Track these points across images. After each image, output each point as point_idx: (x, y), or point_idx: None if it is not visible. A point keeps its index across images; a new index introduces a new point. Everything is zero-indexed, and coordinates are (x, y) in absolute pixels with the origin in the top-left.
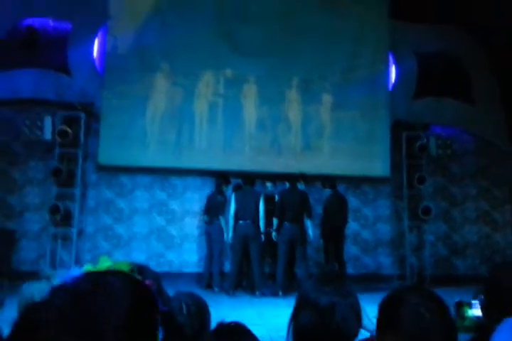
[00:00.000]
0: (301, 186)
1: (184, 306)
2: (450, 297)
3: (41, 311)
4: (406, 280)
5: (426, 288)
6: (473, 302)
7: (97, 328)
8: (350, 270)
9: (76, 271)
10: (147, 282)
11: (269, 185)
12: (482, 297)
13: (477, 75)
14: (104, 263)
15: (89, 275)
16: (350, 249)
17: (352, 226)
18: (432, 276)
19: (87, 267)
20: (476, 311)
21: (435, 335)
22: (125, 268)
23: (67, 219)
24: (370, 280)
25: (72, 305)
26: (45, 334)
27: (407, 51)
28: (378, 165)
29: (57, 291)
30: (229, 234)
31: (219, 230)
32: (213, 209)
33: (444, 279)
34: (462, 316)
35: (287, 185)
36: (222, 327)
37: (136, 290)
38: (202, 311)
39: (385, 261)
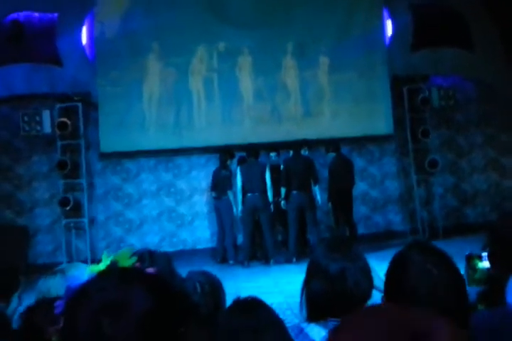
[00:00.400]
0: (305, 152)
1: (198, 285)
2: (463, 248)
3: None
4: (418, 234)
5: (428, 244)
6: (482, 254)
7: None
8: (361, 230)
9: (81, 276)
10: (151, 270)
11: (272, 154)
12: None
13: (474, 20)
14: (106, 261)
15: (111, 283)
16: (360, 209)
17: (360, 187)
18: (443, 228)
19: (92, 268)
20: (486, 263)
21: (444, 290)
22: (126, 261)
23: (77, 209)
24: (383, 238)
25: (97, 317)
26: None
27: (402, 3)
28: (381, 123)
29: (80, 298)
30: (238, 208)
31: (228, 205)
32: (220, 184)
33: (456, 230)
34: (473, 268)
35: (291, 152)
36: (239, 302)
37: (159, 300)
38: (216, 290)
39: (395, 218)
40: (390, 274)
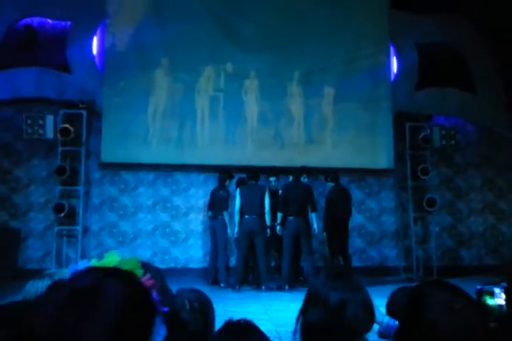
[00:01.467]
0: (304, 179)
1: (187, 302)
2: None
3: (39, 304)
4: (412, 272)
5: (445, 281)
6: (495, 290)
7: (87, 326)
8: (355, 263)
9: (83, 265)
10: (148, 279)
11: (272, 179)
12: (505, 285)
13: (478, 65)
14: (112, 259)
15: (88, 273)
16: (356, 242)
17: (357, 219)
18: (438, 268)
19: (94, 262)
20: (498, 300)
21: (466, 327)
22: (132, 266)
23: (71, 217)
24: (376, 273)
25: (67, 302)
26: (41, 327)
27: (408, 42)
28: (382, 157)
29: (56, 286)
30: (234, 229)
31: (223, 225)
32: (217, 204)
33: (451, 270)
34: (483, 305)
35: (290, 178)
36: (231, 324)
37: (131, 292)
38: (205, 307)
39: (390, 253)
40: (407, 310)
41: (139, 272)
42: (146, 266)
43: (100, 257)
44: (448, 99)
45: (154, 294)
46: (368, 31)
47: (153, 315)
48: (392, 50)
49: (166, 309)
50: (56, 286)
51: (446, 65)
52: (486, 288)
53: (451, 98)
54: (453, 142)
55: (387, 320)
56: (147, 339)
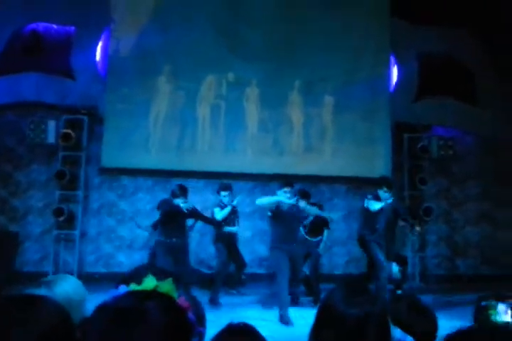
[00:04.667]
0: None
1: None
2: (459, 298)
3: (86, 326)
4: (409, 280)
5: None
6: (499, 306)
7: None
8: (352, 269)
9: (123, 289)
10: (183, 300)
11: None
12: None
13: (479, 75)
14: (149, 284)
15: (130, 296)
16: (353, 250)
17: (354, 228)
18: (434, 276)
19: (133, 286)
20: (505, 316)
21: None
22: (167, 289)
23: (70, 221)
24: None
25: (113, 322)
26: None
27: (409, 52)
28: (379, 167)
29: (101, 310)
30: None
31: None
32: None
33: (447, 279)
34: (487, 320)
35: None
36: (232, 327)
37: (172, 316)
38: (200, 314)
39: None
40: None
41: (175, 294)
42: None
43: (97, 262)
44: (447, 109)
45: (190, 315)
46: (368, 41)
47: (190, 335)
48: (392, 59)
49: (203, 329)
50: (101, 310)
51: (447, 75)
52: (490, 303)
53: (450, 109)
54: (451, 152)
55: (399, 335)
56: None
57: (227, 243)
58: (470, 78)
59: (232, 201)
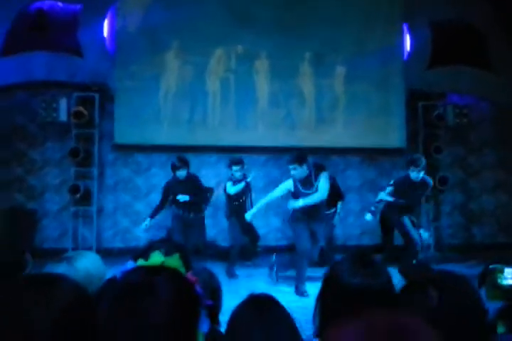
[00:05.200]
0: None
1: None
2: (470, 266)
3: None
4: (423, 250)
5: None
6: (506, 269)
7: (141, 324)
8: (366, 241)
9: (130, 265)
10: (191, 275)
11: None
12: None
13: (494, 41)
14: (157, 259)
15: (138, 271)
16: (367, 221)
17: (369, 199)
18: (449, 245)
19: (140, 262)
20: (510, 280)
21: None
22: (175, 264)
23: (86, 197)
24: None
25: (121, 298)
26: (98, 323)
27: (421, 20)
28: (394, 137)
29: (108, 285)
30: None
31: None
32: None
33: (462, 248)
34: (494, 283)
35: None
36: (253, 298)
37: (180, 289)
38: (214, 286)
39: None
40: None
41: (182, 269)
42: (169, 248)
43: (115, 237)
44: (462, 76)
45: (198, 288)
46: (380, 10)
47: (199, 307)
48: (405, 27)
49: (209, 302)
50: (110, 283)
51: (462, 43)
52: (497, 267)
53: (464, 75)
54: (466, 121)
55: None
56: (195, 330)
57: (240, 217)
58: (483, 44)
59: (246, 177)
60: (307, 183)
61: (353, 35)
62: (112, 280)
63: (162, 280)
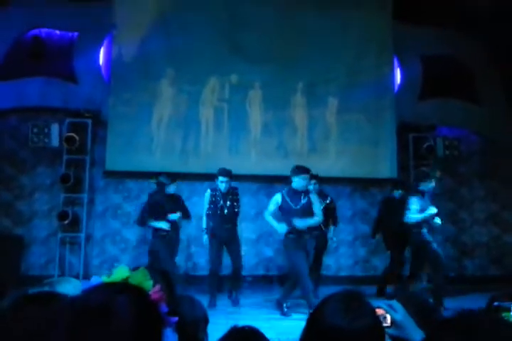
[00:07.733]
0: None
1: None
2: (465, 299)
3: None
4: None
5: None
6: None
7: None
8: (358, 272)
9: (95, 281)
10: (157, 291)
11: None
12: None
13: (482, 77)
14: (121, 274)
15: (98, 291)
16: (359, 251)
17: (361, 229)
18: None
19: (104, 278)
20: None
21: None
22: (141, 279)
23: (75, 224)
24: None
25: (79, 322)
26: None
27: (412, 54)
28: (385, 167)
29: (68, 308)
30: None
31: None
32: None
33: (454, 280)
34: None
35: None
36: (236, 330)
37: (140, 309)
38: (198, 315)
39: None
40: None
41: (149, 284)
42: (153, 274)
43: (103, 265)
44: (451, 110)
45: (163, 306)
46: (371, 42)
47: (161, 328)
48: (395, 61)
49: (175, 319)
50: (67, 307)
51: (450, 76)
52: (503, 305)
53: (454, 109)
54: (456, 152)
55: None
56: None
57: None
58: (472, 79)
59: (235, 189)
60: (295, 199)
61: (345, 67)
62: (73, 302)
63: (122, 302)
